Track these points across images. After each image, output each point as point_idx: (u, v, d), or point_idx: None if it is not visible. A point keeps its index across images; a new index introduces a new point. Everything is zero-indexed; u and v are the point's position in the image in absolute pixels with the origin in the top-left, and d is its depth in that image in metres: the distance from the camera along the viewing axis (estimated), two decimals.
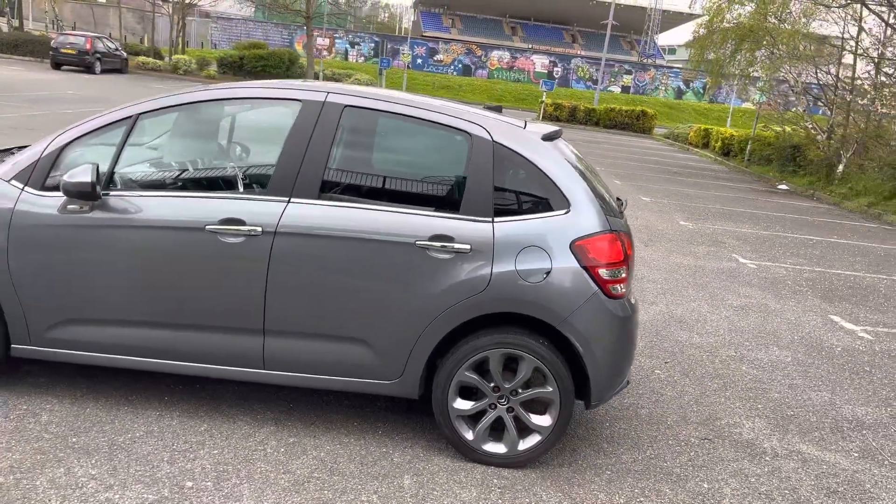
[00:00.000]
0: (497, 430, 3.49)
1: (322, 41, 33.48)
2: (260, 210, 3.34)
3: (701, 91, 48.96)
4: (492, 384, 3.43)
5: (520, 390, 3.43)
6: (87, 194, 3.22)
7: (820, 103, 20.77)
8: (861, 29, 19.33)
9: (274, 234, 3.31)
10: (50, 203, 3.35)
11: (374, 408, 3.91)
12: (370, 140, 3.65)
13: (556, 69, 48.54)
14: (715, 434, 4.13)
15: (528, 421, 3.44)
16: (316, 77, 32.37)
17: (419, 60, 48.07)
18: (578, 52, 55.71)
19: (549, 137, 3.61)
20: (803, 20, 20.26)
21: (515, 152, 3.45)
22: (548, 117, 31.55)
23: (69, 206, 3.32)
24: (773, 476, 3.73)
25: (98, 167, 3.24)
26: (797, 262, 9.35)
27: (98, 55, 27.60)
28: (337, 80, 33.18)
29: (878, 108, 19.21)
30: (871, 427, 4.48)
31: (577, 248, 3.34)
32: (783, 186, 19.20)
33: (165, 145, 3.84)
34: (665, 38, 64.60)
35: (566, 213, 3.39)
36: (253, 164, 3.78)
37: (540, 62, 48.87)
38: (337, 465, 3.33)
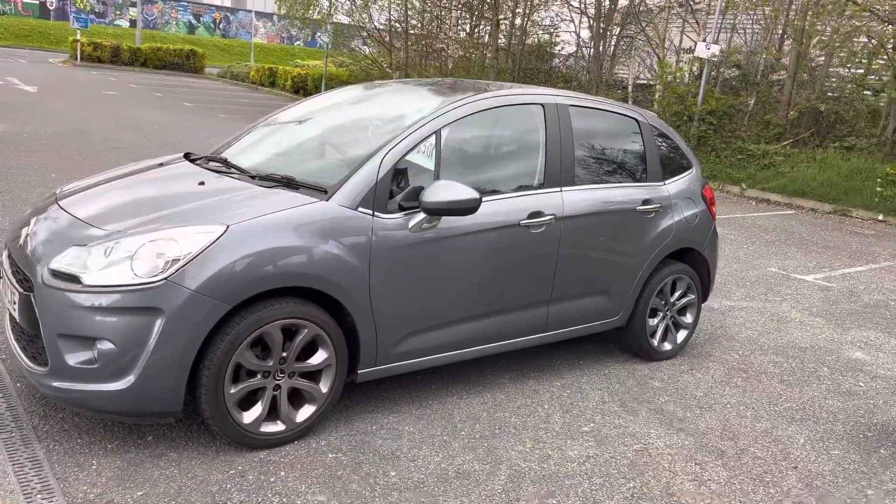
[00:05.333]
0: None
1: None
2: (549, 201, 3.90)
3: (212, 26, 48.91)
4: (662, 302, 4.69)
5: (676, 303, 4.77)
6: (470, 209, 3.34)
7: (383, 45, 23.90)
8: None
9: (562, 219, 3.93)
10: (399, 223, 3.33)
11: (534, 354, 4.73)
12: (587, 131, 4.34)
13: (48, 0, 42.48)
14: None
15: (683, 322, 4.83)
16: None
17: None
18: None
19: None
20: None
21: (659, 130, 4.66)
22: (87, 58, 28.34)
23: (423, 224, 3.36)
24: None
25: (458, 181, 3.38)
26: None
27: None
28: None
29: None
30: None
31: (703, 194, 4.79)
32: None
33: (456, 153, 3.83)
34: None
35: (692, 171, 4.79)
36: (519, 160, 4.08)
37: None
38: (615, 396, 4.19)
